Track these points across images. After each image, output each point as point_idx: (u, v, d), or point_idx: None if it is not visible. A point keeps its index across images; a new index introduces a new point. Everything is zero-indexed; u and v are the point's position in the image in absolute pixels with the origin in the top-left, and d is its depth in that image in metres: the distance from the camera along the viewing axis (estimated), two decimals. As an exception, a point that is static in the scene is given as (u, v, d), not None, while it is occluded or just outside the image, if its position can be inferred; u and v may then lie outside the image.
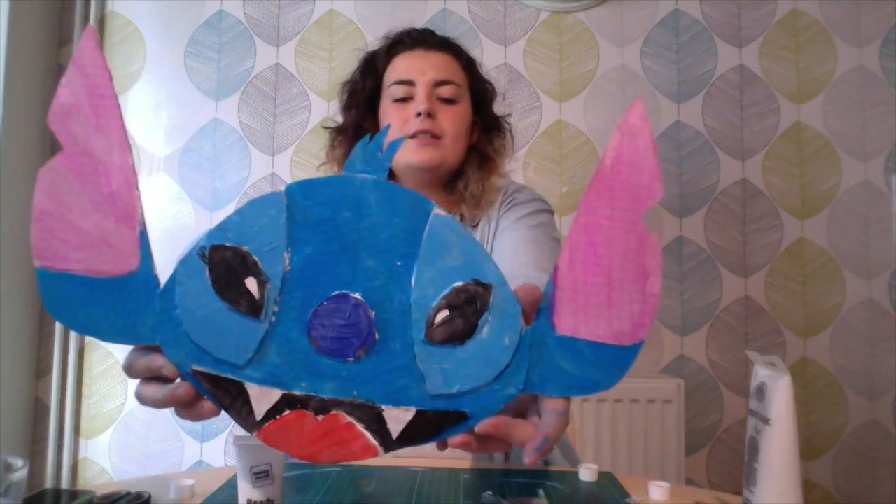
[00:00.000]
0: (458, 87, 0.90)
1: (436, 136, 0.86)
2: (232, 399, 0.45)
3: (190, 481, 0.59)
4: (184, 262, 0.46)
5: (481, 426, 0.44)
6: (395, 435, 0.45)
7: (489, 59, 1.54)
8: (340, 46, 1.57)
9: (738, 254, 1.50)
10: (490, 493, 0.60)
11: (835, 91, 1.52)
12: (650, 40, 1.54)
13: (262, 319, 0.45)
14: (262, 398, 0.45)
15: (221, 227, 0.45)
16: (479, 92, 0.95)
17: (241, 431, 0.47)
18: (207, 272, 0.45)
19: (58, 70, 1.57)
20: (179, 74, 1.57)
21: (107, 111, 0.46)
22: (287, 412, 0.45)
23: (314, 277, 0.45)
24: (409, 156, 0.87)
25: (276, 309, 0.45)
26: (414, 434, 0.45)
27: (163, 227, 1.53)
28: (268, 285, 0.45)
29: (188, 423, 1.49)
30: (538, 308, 0.45)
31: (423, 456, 0.82)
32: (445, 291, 0.45)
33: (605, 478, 0.67)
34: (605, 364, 0.45)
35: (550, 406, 0.45)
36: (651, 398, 1.31)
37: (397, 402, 0.45)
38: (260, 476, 0.50)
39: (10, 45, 1.41)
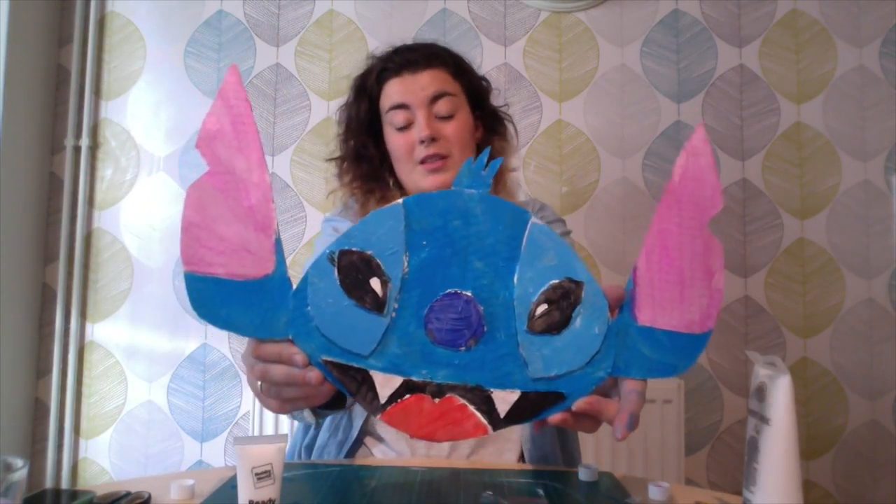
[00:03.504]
0: (454, 98, 0.90)
1: (443, 157, 0.88)
2: (358, 385, 0.51)
3: (190, 481, 0.59)
4: (315, 266, 0.52)
5: (577, 405, 0.51)
6: (502, 415, 0.52)
7: (489, 59, 1.54)
8: (340, 46, 1.57)
9: (739, 254, 1.50)
10: (490, 493, 0.60)
11: (835, 91, 1.52)
12: (650, 40, 1.54)
13: (384, 315, 0.51)
14: (386, 384, 0.51)
15: (348, 235, 0.52)
16: (475, 90, 0.95)
17: (241, 432, 0.48)
18: (336, 274, 0.51)
19: (58, 70, 1.57)
20: (179, 74, 1.57)
21: (247, 136, 0.52)
22: (407, 396, 0.51)
23: (429, 277, 0.52)
24: (421, 183, 0.89)
25: (396, 306, 0.51)
26: (518, 413, 0.52)
27: (163, 227, 1.53)
28: (389, 285, 0.51)
29: (188, 423, 1.49)
30: (621, 304, 0.52)
31: (423, 456, 0.82)
32: (543, 288, 0.52)
33: (605, 478, 0.67)
34: (680, 350, 0.52)
35: (630, 387, 0.52)
36: (651, 398, 1.31)
37: (503, 386, 0.52)
38: (261, 476, 0.50)
39: (10, 45, 1.41)
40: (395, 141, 0.90)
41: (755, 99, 1.53)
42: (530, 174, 1.52)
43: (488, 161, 0.53)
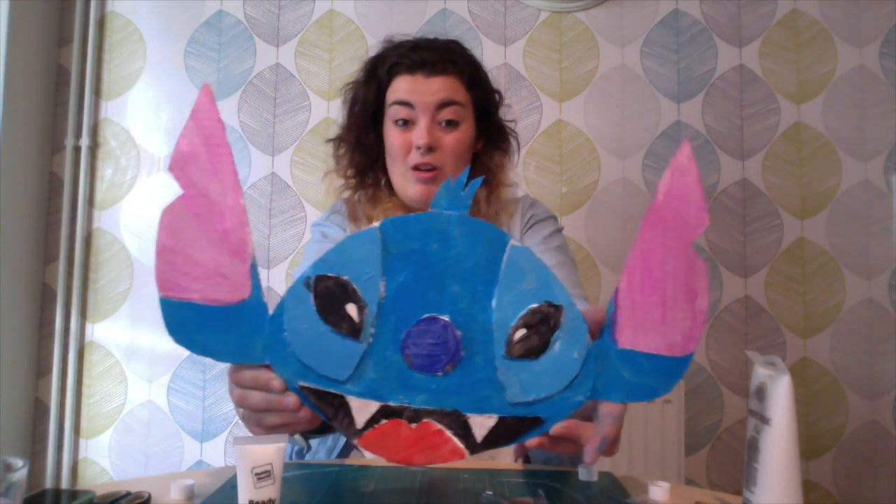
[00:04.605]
0: (461, 107, 0.89)
1: (436, 168, 0.87)
2: (335, 410, 0.51)
3: (190, 481, 0.59)
4: (291, 291, 0.51)
5: (555, 429, 0.51)
6: (479, 439, 0.51)
7: (489, 59, 1.54)
8: (340, 46, 1.57)
9: (738, 254, 1.50)
10: (490, 493, 0.60)
11: (835, 91, 1.52)
12: (650, 40, 1.54)
13: (361, 340, 0.51)
14: (362, 409, 0.51)
15: (324, 260, 0.51)
16: (484, 102, 0.94)
17: (241, 432, 0.48)
18: (312, 299, 0.51)
19: (58, 70, 1.57)
20: (179, 74, 1.57)
21: (221, 158, 0.51)
22: (384, 421, 0.51)
23: (407, 302, 0.51)
24: (409, 189, 0.89)
25: (373, 331, 0.51)
26: (496, 438, 0.52)
27: (163, 227, 1.53)
28: (366, 310, 0.51)
29: (188, 423, 1.49)
30: (601, 327, 0.51)
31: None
32: (522, 312, 0.51)
33: (605, 478, 0.67)
34: (661, 373, 0.51)
35: (607, 410, 0.51)
36: (651, 398, 1.31)
37: (481, 411, 0.51)
38: (261, 476, 0.50)
39: (10, 45, 1.41)
40: (393, 136, 0.89)
41: (755, 99, 1.53)
42: (530, 174, 1.52)
43: (467, 182, 0.52)
